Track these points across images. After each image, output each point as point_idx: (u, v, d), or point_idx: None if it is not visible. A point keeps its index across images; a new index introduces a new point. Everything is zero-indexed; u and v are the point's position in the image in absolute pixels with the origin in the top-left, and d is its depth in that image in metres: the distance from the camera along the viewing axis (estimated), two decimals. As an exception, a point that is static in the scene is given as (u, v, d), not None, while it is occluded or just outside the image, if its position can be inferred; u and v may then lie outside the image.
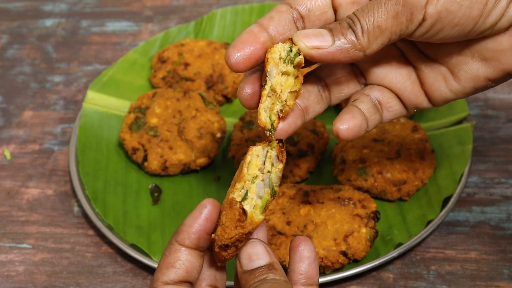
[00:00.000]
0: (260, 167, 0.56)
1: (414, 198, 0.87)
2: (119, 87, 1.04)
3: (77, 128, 0.98)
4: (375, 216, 0.82)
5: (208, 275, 0.60)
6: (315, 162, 0.91)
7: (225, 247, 0.55)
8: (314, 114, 0.65)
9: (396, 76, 0.65)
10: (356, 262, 0.80)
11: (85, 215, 0.90)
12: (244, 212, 0.54)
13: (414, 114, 0.97)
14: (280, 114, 0.59)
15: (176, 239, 0.57)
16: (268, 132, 0.58)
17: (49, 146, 1.00)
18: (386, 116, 0.66)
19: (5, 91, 1.11)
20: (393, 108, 0.66)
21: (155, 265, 0.81)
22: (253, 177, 0.55)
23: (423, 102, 0.66)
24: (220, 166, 0.94)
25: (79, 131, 0.97)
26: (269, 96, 0.58)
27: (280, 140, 0.57)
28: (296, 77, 0.59)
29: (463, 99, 0.97)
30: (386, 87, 0.66)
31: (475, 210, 0.87)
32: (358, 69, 0.67)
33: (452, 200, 0.84)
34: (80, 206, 0.91)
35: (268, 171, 0.56)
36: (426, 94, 0.65)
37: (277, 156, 0.56)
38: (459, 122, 0.94)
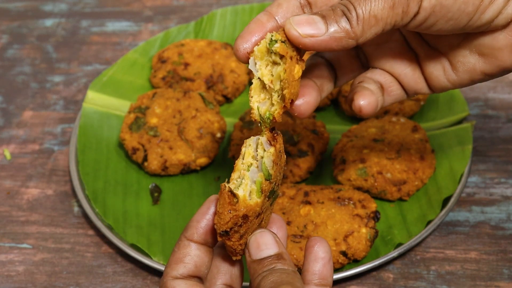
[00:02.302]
0: (254, 154, 0.57)
1: (414, 198, 0.87)
2: (119, 87, 1.04)
3: (77, 128, 0.98)
4: (375, 216, 0.82)
5: (224, 273, 0.60)
6: (315, 162, 0.90)
7: (226, 234, 0.55)
8: (326, 92, 0.66)
9: (397, 61, 0.66)
10: (356, 262, 0.80)
11: (85, 215, 0.90)
12: (234, 195, 0.55)
13: (414, 114, 0.97)
14: (282, 103, 0.58)
15: (185, 235, 0.58)
16: (260, 125, 0.59)
17: (49, 146, 1.00)
18: (387, 100, 0.66)
19: (5, 91, 1.11)
20: (394, 92, 0.66)
21: (155, 265, 0.81)
22: (248, 166, 0.56)
23: (423, 88, 0.66)
24: (220, 166, 0.94)
25: (79, 131, 0.97)
26: (262, 90, 0.58)
27: (272, 128, 0.58)
28: (300, 60, 0.58)
29: (463, 99, 0.97)
30: (387, 72, 0.66)
31: (475, 210, 0.87)
32: (362, 52, 0.67)
33: (452, 200, 0.84)
34: (80, 206, 0.91)
35: (262, 157, 0.56)
36: (426, 81, 0.66)
37: (268, 142, 0.57)
38: (459, 122, 0.95)
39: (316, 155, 0.91)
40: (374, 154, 0.87)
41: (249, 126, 0.93)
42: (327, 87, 0.66)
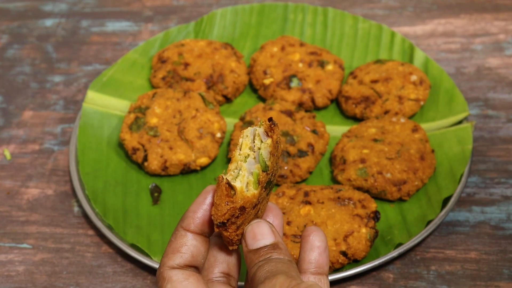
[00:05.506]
0: (251, 145, 0.57)
1: (414, 198, 0.87)
2: (119, 87, 1.04)
3: (77, 128, 0.98)
4: (375, 216, 0.82)
5: (221, 262, 0.60)
6: (315, 162, 0.90)
7: (223, 225, 0.56)
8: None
9: None
10: (356, 262, 0.80)
11: (85, 215, 0.90)
12: (232, 187, 0.55)
13: (414, 114, 0.97)
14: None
15: (182, 225, 0.58)
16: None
17: (49, 146, 1.00)
18: None
19: (5, 91, 1.11)
20: None
21: (155, 265, 0.81)
22: (245, 157, 0.56)
23: None
24: (220, 166, 0.94)
25: (79, 131, 0.97)
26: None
27: (269, 119, 0.58)
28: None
29: (463, 99, 0.97)
30: None
31: (475, 210, 0.87)
32: None
33: (452, 200, 0.84)
34: (80, 206, 0.91)
35: (259, 148, 0.56)
36: None
37: (266, 133, 0.57)
38: (459, 122, 0.95)
39: (316, 155, 0.91)
40: (374, 154, 0.87)
41: (249, 126, 0.93)
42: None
